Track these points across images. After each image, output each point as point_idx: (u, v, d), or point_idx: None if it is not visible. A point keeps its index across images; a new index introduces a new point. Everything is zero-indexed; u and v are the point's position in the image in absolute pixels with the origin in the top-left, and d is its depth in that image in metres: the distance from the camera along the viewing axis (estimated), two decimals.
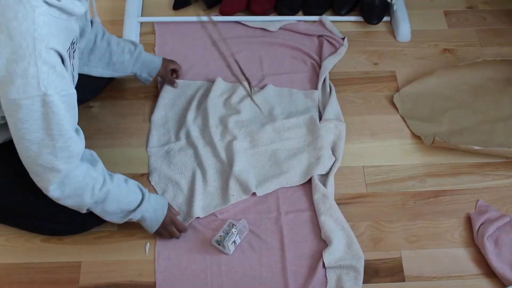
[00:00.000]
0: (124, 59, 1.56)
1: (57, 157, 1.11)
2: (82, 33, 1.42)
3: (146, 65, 1.62)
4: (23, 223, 1.43)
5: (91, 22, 1.48)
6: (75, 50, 1.19)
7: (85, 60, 1.50)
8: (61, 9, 1.05)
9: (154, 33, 1.89)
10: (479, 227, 1.48)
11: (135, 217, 1.34)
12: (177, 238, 1.44)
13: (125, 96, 1.74)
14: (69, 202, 1.22)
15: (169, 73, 1.70)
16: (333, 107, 1.69)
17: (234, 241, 1.42)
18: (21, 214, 1.37)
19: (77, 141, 1.15)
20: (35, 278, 1.40)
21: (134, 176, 1.55)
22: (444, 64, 1.84)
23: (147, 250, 1.45)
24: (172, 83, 1.72)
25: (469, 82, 1.77)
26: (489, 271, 1.42)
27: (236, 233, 1.41)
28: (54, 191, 1.17)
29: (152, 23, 1.92)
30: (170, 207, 1.42)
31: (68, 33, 1.11)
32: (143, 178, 1.56)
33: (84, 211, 1.28)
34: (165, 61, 1.67)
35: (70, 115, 1.11)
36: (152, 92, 1.75)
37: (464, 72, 1.77)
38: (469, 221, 1.51)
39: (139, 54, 1.59)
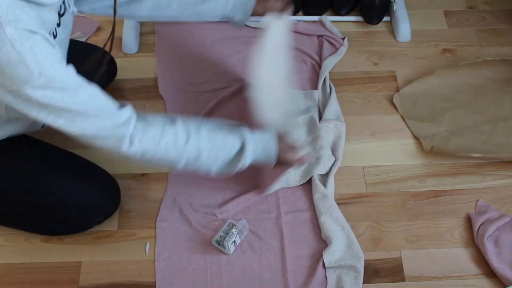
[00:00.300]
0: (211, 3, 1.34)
1: (102, 119, 1.06)
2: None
3: (239, 5, 1.37)
4: (22, 224, 1.43)
5: None
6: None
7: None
8: (29, 1, 0.97)
9: (154, 33, 1.89)
10: (479, 227, 1.48)
11: (244, 163, 1.21)
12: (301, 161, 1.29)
13: (125, 96, 1.74)
14: (157, 160, 1.14)
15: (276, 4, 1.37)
16: (333, 107, 1.69)
17: (234, 241, 1.42)
18: (20, 214, 1.38)
19: (90, 88, 1.05)
20: (35, 278, 1.40)
21: (134, 176, 1.56)
22: (444, 64, 1.84)
23: (147, 250, 1.45)
24: (279, 8, 1.38)
25: (469, 82, 1.77)
26: (489, 271, 1.42)
27: (236, 233, 1.41)
28: (134, 152, 1.11)
29: (152, 23, 1.92)
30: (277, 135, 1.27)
31: (42, 23, 1.01)
32: (143, 178, 1.56)
33: (179, 168, 1.17)
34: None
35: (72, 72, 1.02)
36: (152, 92, 1.75)
37: (464, 72, 1.77)
38: (469, 221, 1.51)
39: None
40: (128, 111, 1.12)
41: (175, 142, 1.14)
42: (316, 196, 1.51)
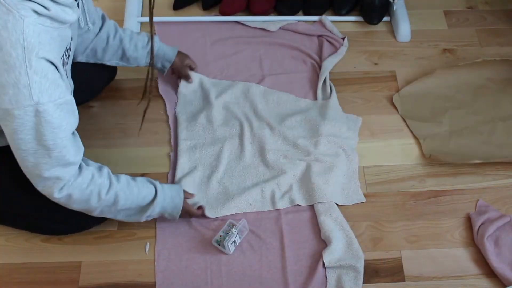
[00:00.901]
0: (138, 54, 1.56)
1: (54, 167, 1.12)
2: (86, 35, 1.43)
3: (160, 57, 1.62)
4: (22, 223, 1.43)
5: (103, 19, 1.47)
6: (69, 56, 1.19)
7: (100, 57, 1.51)
8: (52, 18, 1.04)
9: (154, 33, 1.89)
10: (479, 227, 1.48)
11: (153, 211, 1.33)
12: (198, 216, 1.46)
13: (125, 96, 1.74)
14: (76, 207, 1.23)
15: (185, 68, 1.68)
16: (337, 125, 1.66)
17: (234, 241, 1.42)
18: (20, 214, 1.38)
19: (72, 149, 1.14)
20: (35, 278, 1.40)
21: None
22: (444, 64, 1.84)
23: (147, 250, 1.45)
24: (187, 78, 1.71)
25: (469, 82, 1.77)
26: (489, 271, 1.42)
27: (236, 233, 1.41)
28: (59, 198, 1.18)
29: (152, 24, 1.92)
30: (184, 191, 1.43)
31: (61, 41, 1.09)
32: None
33: (94, 214, 1.28)
34: (180, 54, 1.66)
35: (67, 122, 1.10)
36: (152, 92, 1.75)
37: (464, 72, 1.77)
38: (469, 221, 1.51)
39: (152, 47, 1.53)
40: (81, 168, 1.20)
41: (99, 191, 1.22)
42: None
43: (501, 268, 1.40)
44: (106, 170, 1.26)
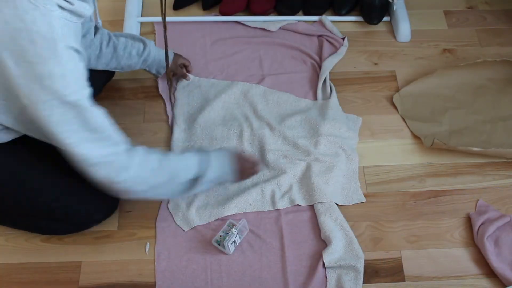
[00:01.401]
0: (132, 62, 1.57)
1: (107, 147, 1.17)
2: (85, 36, 1.43)
3: (155, 63, 1.63)
4: (22, 223, 1.43)
5: (96, 28, 1.49)
6: None
7: (93, 65, 1.52)
8: (73, 12, 1.09)
9: (154, 33, 1.89)
10: (479, 227, 1.48)
11: (203, 183, 1.32)
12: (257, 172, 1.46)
13: (125, 96, 1.74)
14: (139, 188, 1.24)
15: (179, 68, 1.70)
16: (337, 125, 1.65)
17: (234, 241, 1.42)
18: (19, 214, 1.37)
19: (113, 129, 1.20)
20: (35, 278, 1.40)
21: None
22: (444, 64, 1.84)
23: (147, 250, 1.45)
24: (184, 76, 1.72)
25: (469, 82, 1.77)
26: (489, 271, 1.42)
27: (236, 233, 1.41)
28: (122, 180, 1.21)
29: (152, 23, 1.92)
30: (233, 152, 1.42)
31: (77, 35, 1.15)
32: None
33: (158, 192, 1.29)
34: (175, 56, 1.68)
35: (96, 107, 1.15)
36: (152, 92, 1.75)
37: (464, 72, 1.77)
38: (469, 221, 1.51)
39: (147, 55, 1.59)
40: (128, 144, 1.23)
41: (156, 165, 1.25)
42: None
43: (501, 268, 1.40)
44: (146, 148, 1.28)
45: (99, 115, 1.15)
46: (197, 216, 1.48)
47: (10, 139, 1.27)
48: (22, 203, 1.33)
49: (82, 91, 1.10)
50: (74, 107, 1.09)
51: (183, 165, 1.31)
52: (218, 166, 1.35)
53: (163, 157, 1.28)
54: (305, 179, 1.54)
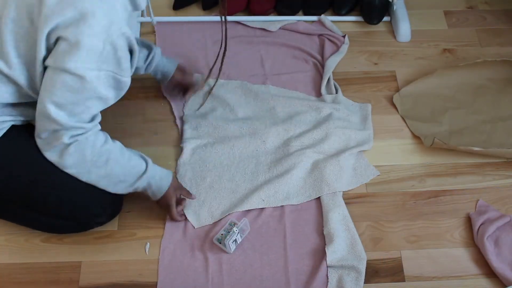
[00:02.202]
0: (137, 65, 1.56)
1: (70, 117, 1.19)
2: None
3: (160, 70, 1.63)
4: (24, 219, 1.41)
5: None
6: None
7: None
8: (132, 1, 1.19)
9: (154, 33, 1.89)
10: (479, 227, 1.48)
11: (141, 184, 1.34)
12: (173, 218, 1.45)
13: (125, 96, 1.72)
14: (70, 161, 1.25)
15: (189, 76, 1.68)
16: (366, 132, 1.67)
17: (235, 240, 1.42)
18: (23, 206, 1.36)
19: (94, 114, 1.24)
20: (35, 278, 1.40)
21: None
22: (444, 64, 1.84)
23: (147, 250, 1.45)
24: (193, 85, 1.70)
25: (469, 82, 1.77)
26: (489, 271, 1.42)
27: (237, 232, 1.41)
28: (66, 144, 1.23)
29: (152, 23, 1.92)
30: (174, 179, 1.43)
31: (129, 24, 1.20)
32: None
33: (84, 178, 1.28)
34: (179, 70, 1.66)
35: (108, 93, 1.20)
36: (152, 92, 1.75)
37: (464, 72, 1.77)
38: (469, 221, 1.51)
39: (152, 60, 1.59)
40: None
41: (94, 141, 1.27)
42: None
43: (501, 268, 1.40)
44: (104, 132, 1.32)
45: (93, 102, 1.19)
46: (209, 214, 1.48)
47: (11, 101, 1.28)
48: (32, 197, 1.31)
49: (102, 73, 1.15)
50: (80, 80, 1.13)
51: (127, 171, 1.32)
52: (155, 185, 1.37)
53: (119, 152, 1.31)
54: (318, 173, 1.54)
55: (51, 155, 1.25)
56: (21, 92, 1.24)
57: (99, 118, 1.28)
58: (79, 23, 1.10)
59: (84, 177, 1.29)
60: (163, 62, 1.62)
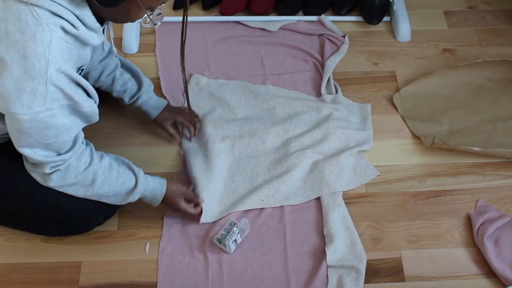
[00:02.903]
0: (123, 97, 1.55)
1: (48, 153, 1.16)
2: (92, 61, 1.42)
3: (143, 109, 1.58)
4: (23, 225, 1.43)
5: (108, 53, 1.47)
6: (80, 74, 1.20)
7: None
8: (77, 38, 1.08)
9: (154, 33, 1.89)
10: (479, 227, 1.48)
11: (133, 198, 1.34)
12: (193, 213, 1.43)
13: None
14: (53, 185, 1.23)
15: (190, 125, 1.61)
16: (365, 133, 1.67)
17: (235, 240, 1.42)
18: (21, 216, 1.37)
19: (70, 144, 1.19)
20: (35, 278, 1.40)
21: None
22: (444, 64, 1.84)
23: (147, 250, 1.45)
24: (193, 127, 1.61)
25: (469, 82, 1.77)
26: (489, 271, 1.42)
27: (237, 232, 1.41)
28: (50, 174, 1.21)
29: None
30: (174, 184, 1.41)
31: (78, 59, 1.13)
32: None
33: (73, 193, 1.27)
34: (166, 110, 1.59)
35: (71, 120, 1.13)
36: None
37: (464, 72, 1.77)
38: (469, 221, 1.51)
39: (137, 99, 1.55)
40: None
41: (77, 166, 1.23)
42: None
43: (501, 268, 1.40)
44: (90, 146, 1.27)
45: (60, 132, 1.12)
46: (208, 213, 1.48)
47: None
48: (24, 208, 1.33)
49: (57, 108, 1.08)
50: (41, 123, 1.08)
51: (116, 188, 1.30)
52: (149, 196, 1.37)
53: (107, 169, 1.27)
54: (318, 173, 1.54)
55: (36, 177, 1.23)
56: None
57: (80, 139, 1.23)
58: (12, 68, 1.02)
59: (71, 194, 1.27)
60: (147, 102, 1.56)
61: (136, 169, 1.34)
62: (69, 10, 1.04)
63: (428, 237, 1.48)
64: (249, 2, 1.95)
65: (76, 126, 1.16)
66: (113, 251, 1.44)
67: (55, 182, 1.22)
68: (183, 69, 1.43)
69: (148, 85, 1.56)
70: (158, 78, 1.77)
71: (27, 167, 1.22)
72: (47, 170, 1.19)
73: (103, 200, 1.32)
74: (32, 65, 1.02)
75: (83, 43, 1.11)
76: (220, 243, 1.42)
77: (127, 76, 1.54)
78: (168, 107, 1.61)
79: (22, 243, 1.45)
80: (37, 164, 1.20)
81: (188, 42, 1.85)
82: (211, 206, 1.49)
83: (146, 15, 1.12)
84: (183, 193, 1.42)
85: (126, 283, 1.40)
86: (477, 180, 1.59)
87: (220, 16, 1.93)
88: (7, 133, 1.24)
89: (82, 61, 1.16)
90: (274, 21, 1.92)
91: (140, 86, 1.55)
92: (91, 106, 1.15)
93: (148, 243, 1.45)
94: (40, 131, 1.09)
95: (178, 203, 1.40)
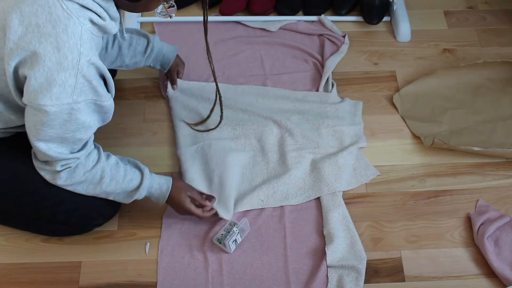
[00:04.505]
0: (136, 59, 1.57)
1: (62, 149, 1.18)
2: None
3: (159, 58, 1.62)
4: (23, 224, 1.43)
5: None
6: None
7: None
8: (101, 28, 1.12)
9: (154, 33, 1.89)
10: (479, 227, 1.48)
11: (140, 195, 1.34)
12: (197, 214, 1.41)
13: (125, 96, 1.74)
14: (60, 183, 1.25)
15: (174, 72, 1.69)
16: (356, 127, 1.67)
17: (235, 240, 1.42)
18: (21, 215, 1.37)
19: (85, 141, 1.21)
20: (35, 278, 1.40)
21: None
22: (444, 64, 1.84)
23: (147, 250, 1.45)
24: (172, 83, 1.70)
25: (469, 82, 1.77)
26: (489, 271, 1.42)
27: (237, 232, 1.41)
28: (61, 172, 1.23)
29: (152, 23, 1.92)
30: (180, 182, 1.41)
31: (97, 48, 1.18)
32: None
33: (80, 192, 1.28)
34: (178, 59, 1.67)
35: (92, 119, 1.16)
36: (152, 92, 1.75)
37: (464, 72, 1.77)
38: (469, 221, 1.51)
39: (151, 51, 1.58)
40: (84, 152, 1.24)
41: (86, 164, 1.25)
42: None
43: (501, 268, 1.40)
44: (98, 147, 1.30)
45: (80, 128, 1.15)
46: (221, 209, 1.48)
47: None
48: (24, 206, 1.33)
49: (82, 103, 1.11)
50: (66, 115, 1.10)
51: (124, 185, 1.31)
52: (156, 193, 1.37)
53: (114, 167, 1.29)
54: (317, 173, 1.54)
55: (44, 175, 1.24)
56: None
57: (92, 139, 1.25)
58: (45, 60, 1.05)
59: (80, 192, 1.29)
60: (163, 51, 1.61)
61: (142, 166, 1.35)
62: (96, 2, 1.08)
63: (428, 237, 1.48)
64: (249, 2, 1.95)
65: (94, 126, 1.19)
66: (113, 251, 1.44)
67: (63, 180, 1.23)
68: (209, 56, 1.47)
69: (152, 36, 1.59)
70: (158, 78, 1.77)
71: (36, 164, 1.24)
72: (58, 168, 1.20)
73: (111, 197, 1.33)
74: (65, 56, 1.05)
75: (105, 32, 1.15)
76: (220, 243, 1.42)
77: (127, 35, 1.55)
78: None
79: (22, 243, 1.45)
80: (48, 162, 1.21)
81: (188, 42, 1.86)
82: (228, 201, 1.49)
83: (162, 5, 1.18)
84: (189, 191, 1.41)
85: (126, 283, 1.40)
86: (477, 180, 1.59)
87: (220, 16, 1.93)
88: (12, 127, 1.25)
89: (98, 50, 1.20)
90: (274, 21, 1.92)
91: (147, 37, 1.57)
92: (110, 100, 1.19)
93: (148, 243, 1.45)
94: (62, 124, 1.11)
95: (184, 201, 1.38)
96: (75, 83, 1.07)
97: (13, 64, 1.07)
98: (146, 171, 1.35)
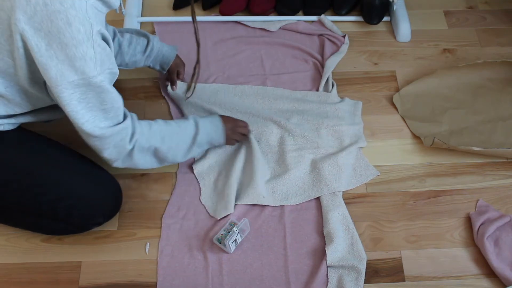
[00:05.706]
0: (136, 58, 1.58)
1: (108, 122, 1.23)
2: None
3: (158, 59, 1.64)
4: (24, 222, 1.43)
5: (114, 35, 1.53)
6: None
7: None
8: (104, 2, 1.18)
9: (154, 33, 1.89)
10: (479, 227, 1.48)
11: (201, 139, 1.44)
12: (247, 133, 1.56)
13: (125, 96, 1.72)
14: (137, 159, 1.34)
15: (174, 73, 1.69)
16: (355, 127, 1.67)
17: (235, 240, 1.42)
18: (21, 211, 1.37)
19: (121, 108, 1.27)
20: (35, 278, 1.40)
21: (134, 176, 1.56)
22: (444, 64, 1.84)
23: (147, 250, 1.45)
24: (172, 83, 1.70)
25: (469, 82, 1.77)
26: (489, 271, 1.42)
27: (237, 232, 1.41)
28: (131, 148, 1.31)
29: (152, 23, 1.92)
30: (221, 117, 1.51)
31: (103, 24, 1.22)
32: (143, 178, 1.56)
33: (160, 159, 1.39)
34: (178, 59, 1.68)
35: (112, 88, 1.21)
36: (152, 92, 1.75)
37: (464, 72, 1.77)
38: (469, 221, 1.51)
39: (150, 51, 1.60)
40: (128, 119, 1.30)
41: (158, 131, 1.35)
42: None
43: (501, 268, 1.40)
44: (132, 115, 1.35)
45: (114, 96, 1.20)
46: (223, 207, 1.49)
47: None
48: (25, 201, 1.32)
49: (106, 73, 1.16)
50: (96, 87, 1.14)
51: (182, 129, 1.41)
52: (210, 128, 1.47)
53: (164, 124, 1.39)
54: (317, 173, 1.54)
55: (122, 163, 1.33)
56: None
57: (127, 111, 1.31)
58: (60, 37, 1.08)
59: (156, 162, 1.39)
60: (162, 52, 1.63)
61: (188, 116, 1.47)
62: None
63: (428, 237, 1.48)
64: (249, 2, 1.95)
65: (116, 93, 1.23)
66: (113, 251, 1.45)
67: (138, 156, 1.32)
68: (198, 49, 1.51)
69: (152, 36, 1.61)
70: (158, 78, 1.77)
71: (117, 164, 1.32)
72: (129, 146, 1.28)
73: (178, 158, 1.42)
74: (78, 30, 1.08)
75: (108, 7, 1.20)
76: (220, 243, 1.42)
77: (128, 35, 1.57)
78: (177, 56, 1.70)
79: (22, 243, 1.45)
80: (120, 147, 1.27)
81: (187, 42, 1.86)
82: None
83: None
84: (233, 122, 1.54)
85: (126, 283, 1.40)
86: (477, 180, 1.59)
87: (220, 16, 1.94)
88: (14, 115, 1.27)
89: (104, 25, 1.24)
90: (274, 21, 1.92)
91: (147, 37, 1.60)
92: (116, 67, 1.23)
93: (148, 243, 1.45)
94: (97, 95, 1.16)
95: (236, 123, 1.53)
96: (95, 54, 1.11)
97: (23, 45, 1.09)
98: (192, 116, 1.46)
